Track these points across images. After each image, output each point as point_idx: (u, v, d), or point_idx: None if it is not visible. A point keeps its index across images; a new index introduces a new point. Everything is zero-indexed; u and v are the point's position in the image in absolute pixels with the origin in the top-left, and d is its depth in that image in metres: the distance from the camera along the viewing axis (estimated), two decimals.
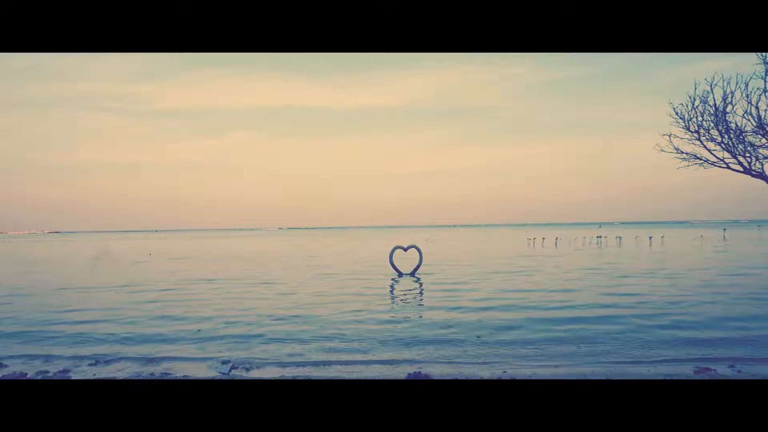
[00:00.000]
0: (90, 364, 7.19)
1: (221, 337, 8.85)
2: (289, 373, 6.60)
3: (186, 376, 6.46)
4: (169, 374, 6.58)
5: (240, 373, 6.71)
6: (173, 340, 8.69)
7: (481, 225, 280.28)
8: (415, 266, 20.09)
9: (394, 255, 20.49)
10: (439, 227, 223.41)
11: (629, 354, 7.35)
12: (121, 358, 7.51)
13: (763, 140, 10.22)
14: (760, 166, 10.41)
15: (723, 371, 6.31)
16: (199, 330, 9.42)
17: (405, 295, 14.39)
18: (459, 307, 11.57)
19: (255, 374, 6.65)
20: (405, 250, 21.08)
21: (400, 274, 19.15)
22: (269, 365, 7.09)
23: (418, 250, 20.80)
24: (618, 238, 51.22)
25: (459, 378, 5.78)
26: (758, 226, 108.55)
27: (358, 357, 7.46)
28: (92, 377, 6.54)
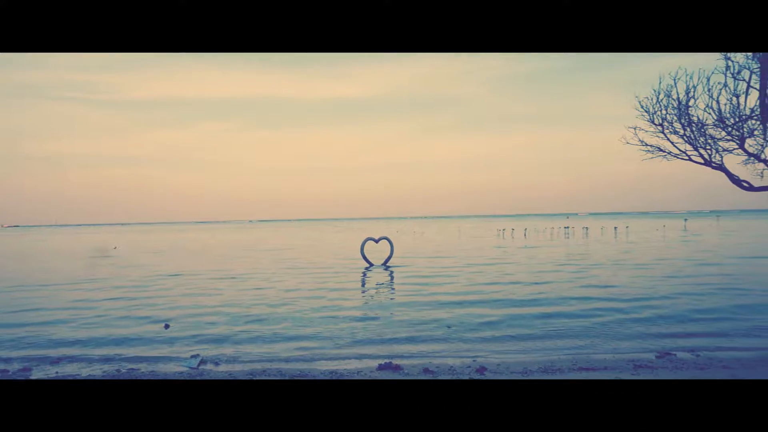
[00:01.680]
0: (53, 363, 6.98)
1: (190, 333, 8.70)
2: (259, 367, 6.53)
3: (153, 372, 6.33)
4: (136, 370, 6.43)
5: (209, 368, 6.61)
6: (140, 337, 8.50)
7: (452, 216, 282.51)
8: (386, 258, 20.14)
9: (365, 246, 20.49)
10: (409, 219, 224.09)
11: (594, 340, 7.54)
12: (84, 358, 7.31)
13: (723, 133, 10.54)
14: (720, 159, 10.74)
15: (683, 356, 6.53)
16: (167, 326, 9.24)
17: (377, 286, 14.41)
18: (430, 297, 11.65)
19: (224, 369, 6.56)
20: (376, 241, 21.11)
21: (371, 266, 19.18)
22: (239, 361, 7.00)
23: (389, 241, 20.86)
24: (585, 229, 52.36)
25: (440, 378, 5.81)
26: (717, 216, 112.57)
27: (330, 349, 7.44)
28: (54, 377, 6.35)
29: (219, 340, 8.05)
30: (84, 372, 6.47)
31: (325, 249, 31.88)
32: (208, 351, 7.43)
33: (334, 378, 5.76)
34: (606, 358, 6.50)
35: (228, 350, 7.48)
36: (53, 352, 7.48)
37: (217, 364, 6.84)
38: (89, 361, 7.04)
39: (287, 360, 6.94)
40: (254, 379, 5.64)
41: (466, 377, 5.63)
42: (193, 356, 7.17)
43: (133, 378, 5.99)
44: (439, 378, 5.63)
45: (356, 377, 5.80)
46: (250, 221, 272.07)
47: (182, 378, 5.93)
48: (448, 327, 8.64)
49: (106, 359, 7.11)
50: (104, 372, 6.41)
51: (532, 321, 8.85)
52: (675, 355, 6.57)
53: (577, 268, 17.05)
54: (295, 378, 5.81)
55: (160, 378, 5.94)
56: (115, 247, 37.21)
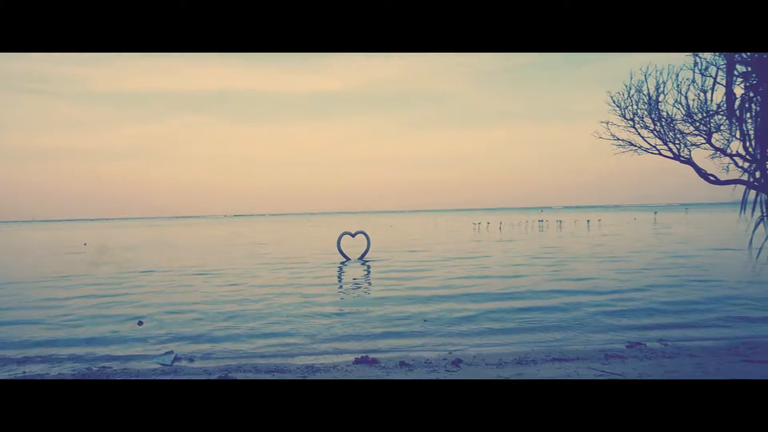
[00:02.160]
0: (19, 363, 6.81)
1: (164, 332, 8.58)
2: (234, 363, 6.47)
3: (126, 370, 6.22)
4: (108, 368, 6.31)
5: (183, 365, 6.52)
6: (112, 335, 8.34)
7: (428, 210, 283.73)
8: (363, 252, 20.15)
9: (341, 241, 20.45)
10: (387, 213, 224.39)
11: (568, 333, 7.69)
12: (52, 357, 7.15)
13: (691, 128, 10.79)
14: (688, 153, 11.00)
15: (652, 345, 6.70)
16: (140, 323, 9.09)
17: (353, 281, 14.42)
18: (407, 292, 11.70)
19: (199, 365, 6.49)
20: (353, 236, 21.09)
21: (348, 260, 19.16)
22: (214, 357, 6.93)
23: (366, 235, 20.87)
24: (558, 222, 53.19)
25: (417, 378, 5.84)
26: (685, 209, 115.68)
27: (307, 345, 7.42)
28: (22, 377, 6.19)
29: (193, 338, 7.95)
30: (53, 371, 6.32)
31: (302, 244, 31.72)
32: (183, 348, 7.33)
33: (310, 372, 5.74)
34: (578, 349, 6.62)
35: (203, 347, 7.39)
36: (18, 353, 7.28)
37: (191, 360, 6.76)
38: (58, 360, 6.88)
39: (263, 355, 6.90)
40: (228, 378, 5.59)
41: (443, 371, 5.68)
42: (166, 353, 7.06)
43: (106, 377, 5.88)
44: (416, 370, 5.67)
45: (333, 371, 5.80)
46: (227, 216, 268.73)
47: (156, 377, 5.84)
48: (425, 321, 8.70)
49: (76, 358, 6.95)
50: (74, 370, 6.27)
51: (507, 315, 8.95)
52: (645, 345, 6.75)
53: (552, 261, 17.31)
54: (272, 378, 5.78)
55: (132, 378, 5.83)
56: (85, 244, 36.35)
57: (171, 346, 7.40)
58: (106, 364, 6.59)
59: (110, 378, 5.76)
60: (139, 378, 5.72)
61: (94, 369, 6.30)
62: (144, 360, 6.80)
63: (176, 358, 6.83)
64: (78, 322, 9.29)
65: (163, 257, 23.56)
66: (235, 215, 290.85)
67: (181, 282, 14.39)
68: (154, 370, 6.19)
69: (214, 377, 5.53)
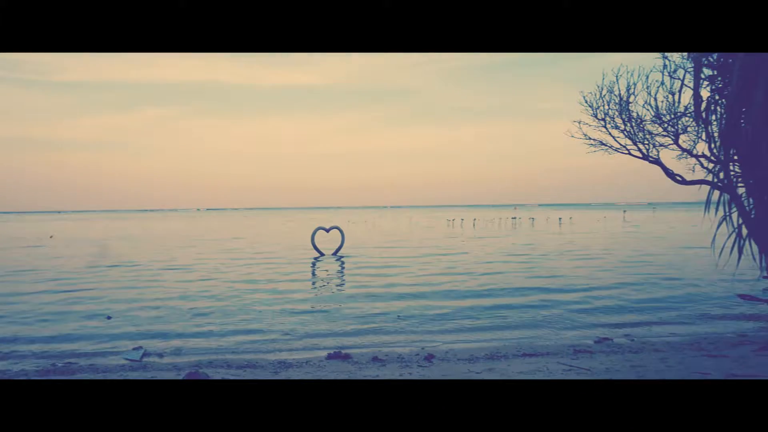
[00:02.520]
0: None
1: (134, 329, 8.41)
2: (205, 358, 6.39)
3: (92, 365, 6.07)
4: (74, 364, 6.16)
5: (153, 361, 6.41)
6: (78, 331, 8.14)
7: (403, 206, 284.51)
8: (337, 247, 20.09)
9: (316, 236, 20.36)
10: (361, 208, 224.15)
11: (540, 330, 7.82)
12: (15, 354, 6.94)
13: (660, 129, 11.06)
14: (657, 153, 11.28)
15: (619, 341, 6.86)
16: (109, 317, 8.89)
17: (327, 277, 14.37)
18: (380, 288, 11.72)
19: (169, 361, 6.38)
20: (327, 231, 21.01)
21: (322, 255, 19.09)
22: (184, 353, 6.83)
23: (340, 231, 20.82)
24: (531, 219, 53.98)
25: (390, 378, 5.85)
26: (653, 208, 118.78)
27: (280, 342, 7.37)
28: None
29: (163, 334, 7.81)
30: (16, 368, 6.13)
31: (275, 239, 31.46)
32: (152, 344, 7.20)
33: (283, 368, 5.71)
34: (548, 344, 6.75)
35: (173, 343, 7.27)
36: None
37: (161, 356, 6.64)
38: (22, 356, 6.68)
39: (235, 351, 6.83)
40: (200, 374, 5.51)
41: (415, 366, 5.71)
42: (135, 348, 6.93)
43: (71, 374, 5.73)
44: (388, 365, 5.69)
45: (305, 367, 5.78)
46: (198, 210, 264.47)
47: (124, 373, 5.72)
48: (398, 317, 8.73)
49: (40, 355, 6.76)
50: (38, 367, 6.09)
51: (480, 312, 9.03)
52: (612, 340, 6.91)
53: (525, 258, 17.56)
54: (244, 377, 5.73)
55: (99, 374, 5.71)
56: (51, 236, 35.34)
57: (140, 343, 7.26)
58: (72, 360, 6.42)
59: (76, 374, 5.63)
60: (107, 374, 5.60)
61: (59, 365, 6.14)
62: (112, 356, 6.65)
63: (145, 354, 6.70)
64: (43, 317, 9.03)
65: (131, 251, 23.07)
66: (207, 209, 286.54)
67: (151, 277, 14.11)
68: (123, 365, 6.07)
69: (184, 373, 5.44)
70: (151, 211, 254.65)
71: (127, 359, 6.46)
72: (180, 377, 5.33)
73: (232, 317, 8.80)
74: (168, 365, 6.09)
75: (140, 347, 6.99)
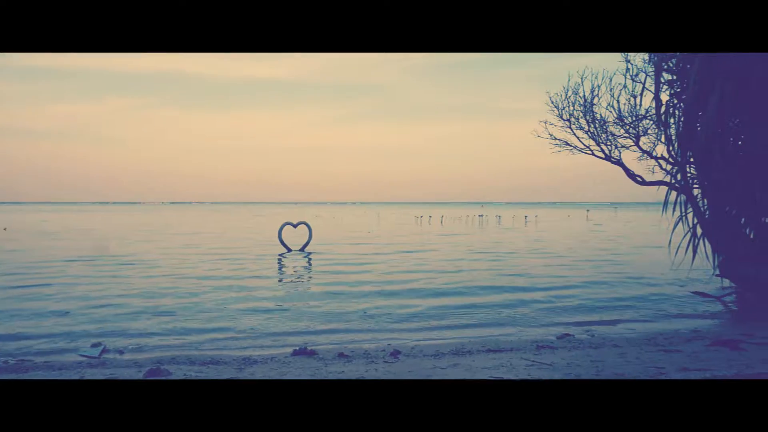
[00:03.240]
0: None
1: (93, 327, 8.17)
2: (168, 354, 6.27)
3: (48, 363, 5.88)
4: (29, 361, 5.94)
5: (112, 357, 6.25)
6: (33, 329, 7.86)
7: (371, 203, 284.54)
8: (304, 242, 19.97)
9: (283, 231, 20.18)
10: (328, 204, 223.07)
11: (506, 328, 7.95)
12: None
13: (622, 131, 11.37)
14: (618, 154, 11.60)
15: (580, 336, 7.05)
16: (65, 313, 8.61)
17: (294, 273, 14.27)
18: (348, 286, 11.71)
19: (129, 357, 6.23)
20: (294, 226, 20.86)
21: (289, 251, 18.94)
22: (146, 350, 6.68)
23: (308, 226, 20.70)
24: (498, 217, 54.80)
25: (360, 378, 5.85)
26: (615, 207, 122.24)
27: (244, 339, 7.28)
28: None
29: (124, 331, 7.60)
30: None
31: (241, 233, 31.04)
32: (112, 342, 7.00)
33: (247, 364, 5.65)
34: (512, 340, 6.87)
35: (133, 340, 7.08)
36: None
37: (121, 353, 6.48)
38: None
39: (198, 347, 6.71)
40: (161, 370, 5.40)
41: (381, 362, 5.73)
42: (93, 345, 6.74)
43: (25, 371, 5.53)
44: (354, 361, 5.69)
45: (270, 363, 5.73)
46: (163, 203, 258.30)
47: (82, 370, 5.56)
48: (365, 312, 8.74)
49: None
50: None
51: (447, 309, 9.08)
52: (573, 335, 7.09)
53: (492, 256, 17.80)
54: (207, 376, 5.64)
55: (55, 371, 5.53)
56: (5, 228, 33.97)
57: (99, 340, 7.05)
58: (27, 358, 6.19)
59: (29, 372, 5.43)
60: (63, 371, 5.42)
61: (12, 362, 5.92)
62: (68, 353, 6.44)
63: (105, 351, 6.53)
64: None
65: (90, 245, 22.39)
66: (171, 203, 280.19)
67: (111, 272, 13.72)
68: (80, 363, 5.89)
69: (145, 370, 5.32)
70: (114, 203, 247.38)
71: (84, 356, 6.28)
72: (141, 374, 5.22)
73: (195, 314, 8.64)
74: (128, 362, 5.95)
75: (99, 343, 6.79)
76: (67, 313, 8.62)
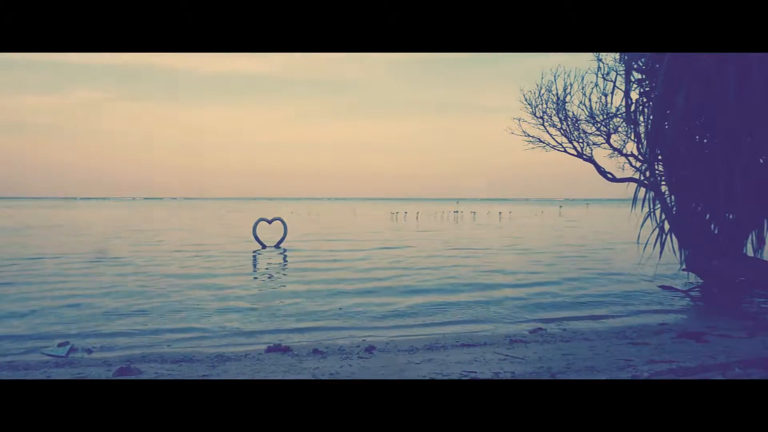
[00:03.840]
0: None
1: (59, 328, 7.96)
2: (138, 353, 6.15)
3: (11, 363, 5.71)
4: None
5: (80, 356, 6.10)
6: None
7: (346, 198, 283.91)
8: (279, 239, 19.82)
9: (258, 227, 19.98)
10: (303, 199, 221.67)
11: (477, 317, 8.04)
12: None
13: (593, 128, 11.57)
14: (590, 151, 11.81)
15: (552, 330, 7.17)
16: (33, 311, 8.37)
17: (268, 270, 14.15)
18: (323, 283, 11.67)
19: (98, 356, 6.09)
20: (269, 222, 20.69)
21: (264, 247, 18.78)
22: (116, 348, 6.54)
23: (283, 222, 20.55)
24: (473, 213, 55.30)
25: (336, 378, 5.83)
26: (587, 203, 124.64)
27: (218, 338, 7.18)
28: None
29: (93, 330, 7.41)
30: None
31: (215, 229, 30.64)
32: (80, 342, 6.82)
33: (220, 361, 5.58)
34: (485, 335, 6.95)
35: (102, 340, 6.91)
36: None
37: (90, 351, 6.33)
38: None
39: (170, 345, 6.60)
40: (131, 369, 5.30)
41: (356, 357, 5.73)
42: (61, 344, 6.56)
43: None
44: (329, 357, 5.68)
45: (244, 360, 5.68)
46: (134, 199, 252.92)
47: (48, 370, 5.41)
48: (340, 309, 8.72)
49: None
50: None
51: (423, 306, 9.08)
52: (545, 330, 7.20)
53: (467, 252, 17.95)
54: (180, 376, 5.56)
55: (18, 376, 5.37)
56: None
57: (66, 339, 6.87)
58: None
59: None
60: (28, 371, 5.27)
61: None
62: (33, 353, 6.26)
63: (72, 350, 6.37)
64: None
65: (57, 242, 21.80)
66: (143, 198, 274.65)
67: (79, 269, 13.38)
68: (46, 362, 5.74)
69: (115, 368, 5.21)
70: (82, 199, 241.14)
71: (50, 355, 6.12)
72: (110, 373, 5.11)
73: (167, 312, 8.49)
74: (97, 361, 5.82)
75: (66, 342, 6.62)
76: (33, 312, 8.37)
